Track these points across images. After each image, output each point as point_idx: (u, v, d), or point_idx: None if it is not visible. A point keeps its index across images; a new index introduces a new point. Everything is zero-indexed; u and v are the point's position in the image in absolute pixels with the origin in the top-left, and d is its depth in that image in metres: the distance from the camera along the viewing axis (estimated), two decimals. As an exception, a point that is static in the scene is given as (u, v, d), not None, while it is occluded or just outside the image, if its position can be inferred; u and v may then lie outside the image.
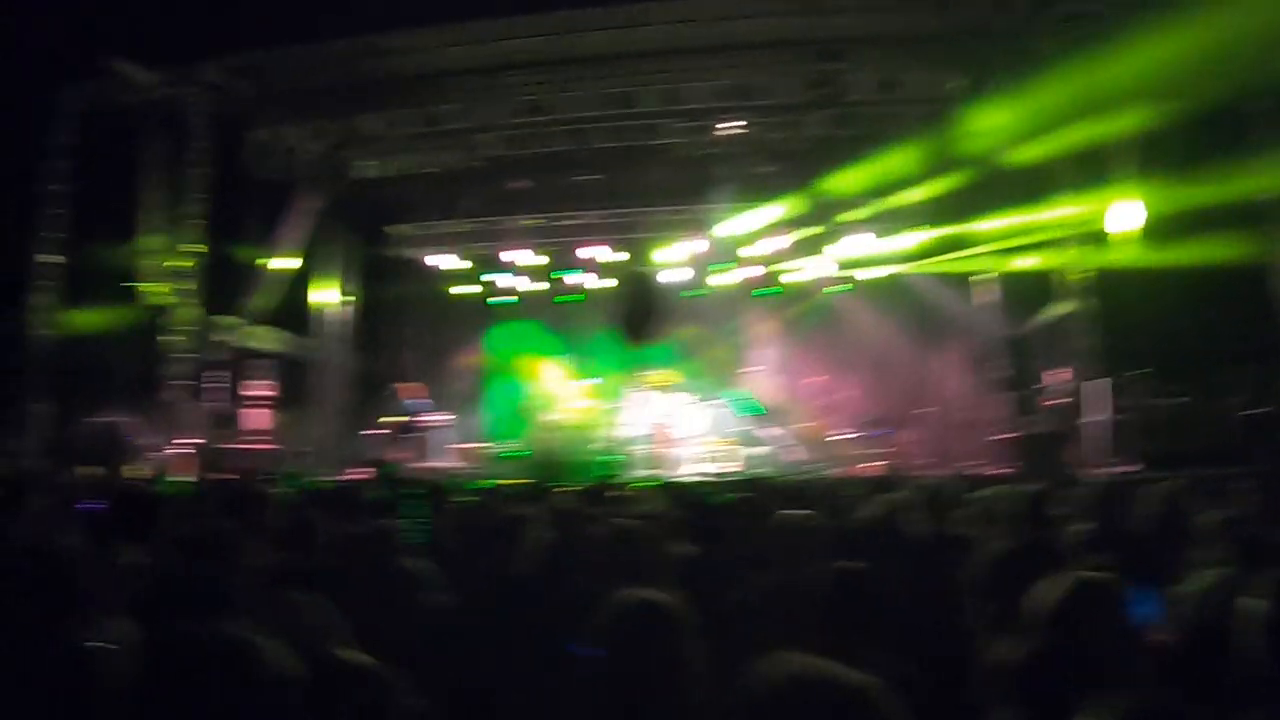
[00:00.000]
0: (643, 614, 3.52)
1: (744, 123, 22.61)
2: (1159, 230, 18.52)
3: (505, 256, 28.47)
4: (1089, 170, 19.58)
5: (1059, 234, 20.23)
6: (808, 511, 6.71)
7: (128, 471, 18.39)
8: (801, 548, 6.27)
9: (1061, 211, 19.97)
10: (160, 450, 22.07)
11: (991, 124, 21.30)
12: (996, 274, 24.13)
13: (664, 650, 3.41)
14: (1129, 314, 19.14)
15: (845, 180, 24.48)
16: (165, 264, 23.21)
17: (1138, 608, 4.70)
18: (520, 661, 5.05)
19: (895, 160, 22.94)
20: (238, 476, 14.65)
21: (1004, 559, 5.39)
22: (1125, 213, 18.81)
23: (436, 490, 10.98)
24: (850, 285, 27.16)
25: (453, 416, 27.08)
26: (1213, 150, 17.57)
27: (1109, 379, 19.21)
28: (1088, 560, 5.13)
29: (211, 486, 12.05)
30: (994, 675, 3.86)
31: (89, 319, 22.97)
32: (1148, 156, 18.73)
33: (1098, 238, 19.57)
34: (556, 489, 11.99)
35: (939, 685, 4.79)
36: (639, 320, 6.36)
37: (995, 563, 5.32)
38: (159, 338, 22.93)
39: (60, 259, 23.37)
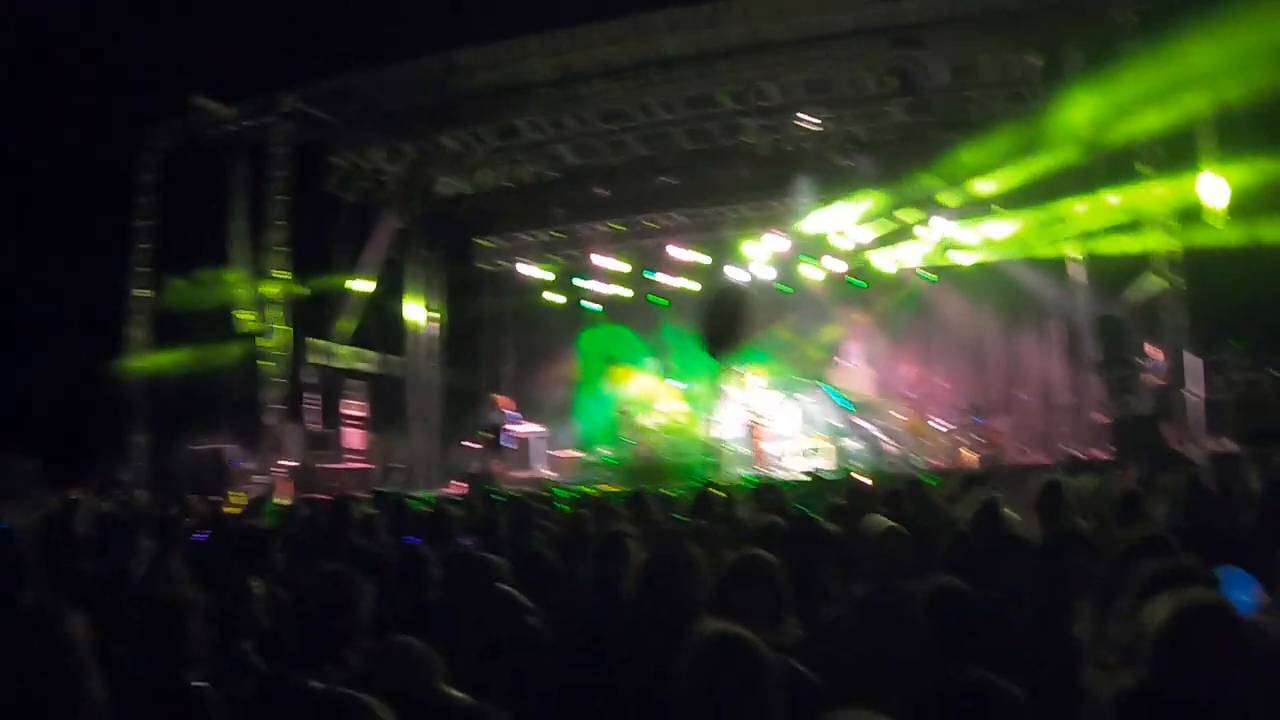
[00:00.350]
0: (723, 650, 3.42)
1: (822, 117, 22.40)
2: (1247, 207, 18.27)
3: (591, 263, 28.49)
4: (1176, 149, 19.32)
5: (1147, 213, 19.85)
6: (892, 523, 6.55)
7: (232, 498, 18.52)
8: (892, 558, 6.17)
9: (1149, 190, 19.62)
10: (261, 474, 22.34)
11: (1076, 106, 21.10)
12: (1085, 255, 23.74)
13: (745, 686, 3.32)
14: (1221, 289, 18.83)
15: (930, 168, 24.37)
16: (256, 292, 23.48)
17: (1236, 595, 4.59)
18: (609, 692, 5.03)
19: (979, 146, 22.78)
20: (332, 497, 14.66)
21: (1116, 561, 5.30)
22: (1213, 189, 18.53)
23: (528, 504, 10.92)
24: (937, 275, 26.86)
25: (545, 426, 27.14)
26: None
27: (1203, 356, 18.87)
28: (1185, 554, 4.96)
29: (308, 513, 12.12)
30: (1101, 707, 3.74)
31: (183, 350, 23.31)
32: (1234, 133, 18.46)
33: (1186, 215, 19.31)
34: (653, 496, 11.94)
35: (1049, 712, 4.74)
36: (722, 334, 6.32)
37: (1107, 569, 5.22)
38: (254, 364, 23.17)
39: (152, 293, 23.74)
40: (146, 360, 23.71)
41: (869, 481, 13.78)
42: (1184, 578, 4.16)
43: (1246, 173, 18.37)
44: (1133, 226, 20.67)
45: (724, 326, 5.93)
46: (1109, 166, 20.70)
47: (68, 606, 3.89)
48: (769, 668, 3.40)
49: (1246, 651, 3.28)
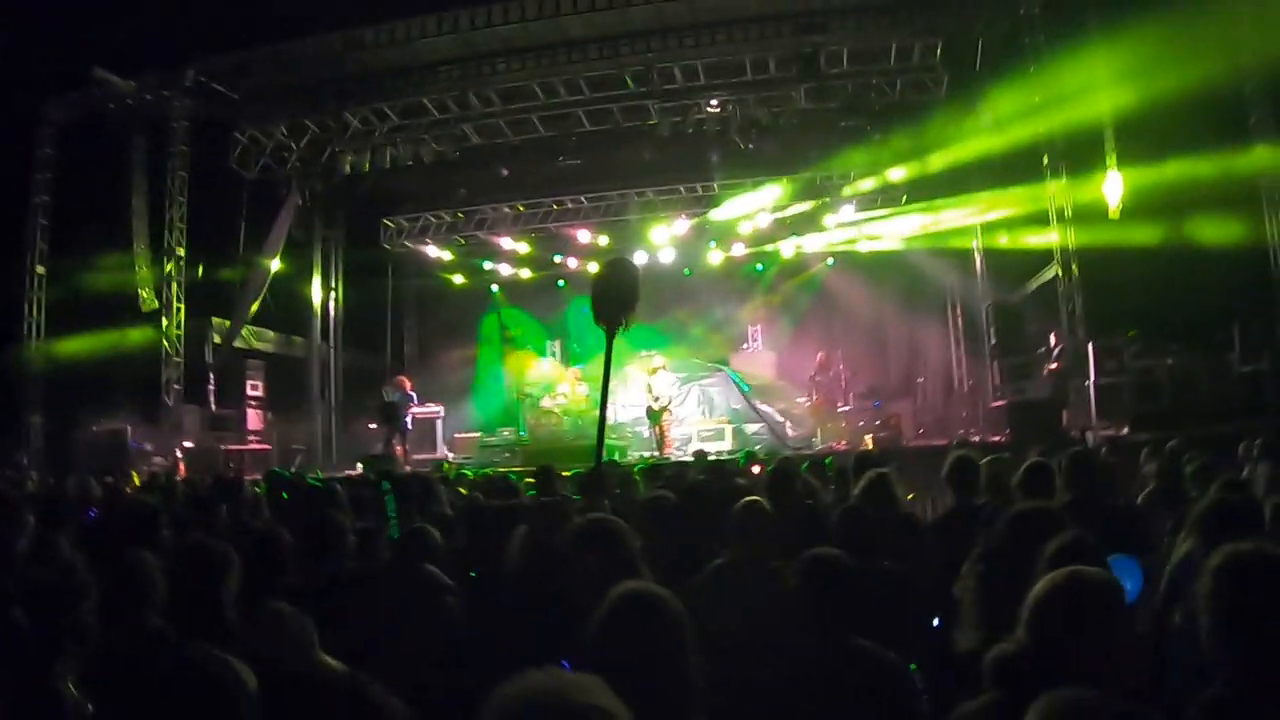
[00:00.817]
0: (641, 609, 3.45)
1: (724, 100, 22.49)
2: (1142, 206, 18.66)
3: (495, 244, 28.42)
4: (1079, 149, 19.65)
5: (1047, 207, 20.13)
6: (755, 498, 6.61)
7: (132, 478, 18.31)
8: (757, 533, 6.25)
9: (1051, 186, 19.91)
10: (161, 455, 22.13)
11: (985, 103, 21.47)
12: (985, 246, 24.11)
13: (662, 643, 3.35)
14: (1115, 278, 19.16)
15: (833, 154, 24.61)
16: (156, 270, 23.23)
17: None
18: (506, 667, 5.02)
19: (886, 136, 23.06)
20: (230, 478, 14.58)
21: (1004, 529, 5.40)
22: (1113, 187, 18.91)
23: (424, 485, 10.88)
24: (839, 261, 27.12)
25: (446, 408, 27.07)
26: (1197, 131, 17.73)
27: (1096, 342, 19.19)
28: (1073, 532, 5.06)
29: (203, 488, 12.02)
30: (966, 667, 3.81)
31: (83, 336, 23.00)
32: (1134, 135, 18.84)
33: (1084, 211, 19.64)
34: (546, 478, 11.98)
35: (931, 675, 4.84)
36: (611, 303, 6.31)
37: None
38: (154, 344, 22.91)
39: (48, 270, 23.40)
40: (44, 346, 23.34)
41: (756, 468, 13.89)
42: (1073, 552, 4.25)
43: (1143, 174, 18.77)
44: (1033, 220, 20.94)
45: (614, 295, 5.93)
46: (1014, 162, 20.99)
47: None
48: (681, 619, 3.46)
49: (1118, 623, 3.36)
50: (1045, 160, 19.94)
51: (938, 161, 23.25)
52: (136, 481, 17.51)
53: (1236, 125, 18.73)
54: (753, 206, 25.69)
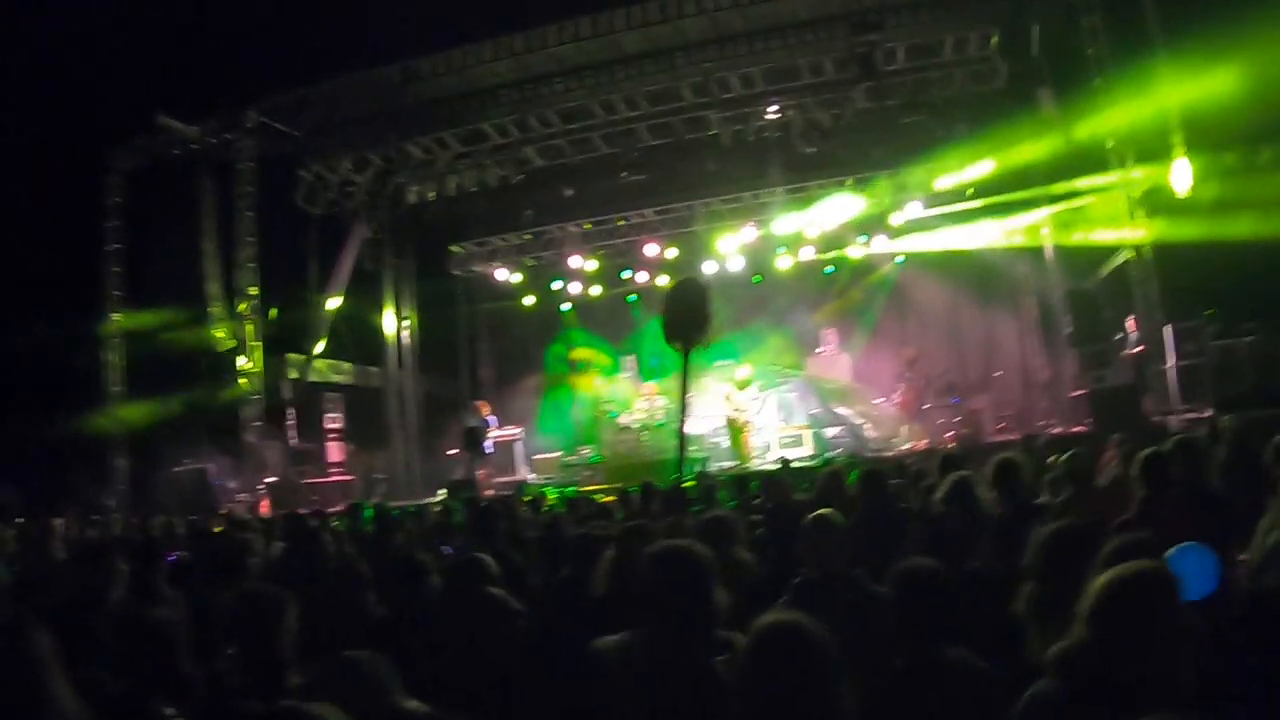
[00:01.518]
0: (785, 640, 3.47)
1: (784, 105, 22.46)
2: (1212, 194, 18.49)
3: (564, 264, 28.48)
4: (1147, 141, 19.51)
5: (1117, 194, 19.95)
6: (823, 511, 6.59)
7: (217, 517, 18.50)
8: (829, 545, 6.24)
9: (1121, 175, 19.74)
10: (244, 492, 22.38)
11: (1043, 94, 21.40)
12: (1054, 235, 23.89)
13: (808, 672, 3.37)
14: (1190, 257, 18.94)
15: (899, 154, 24.54)
16: (229, 308, 23.50)
17: (1194, 580, 4.62)
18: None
19: (951, 135, 23.00)
20: (312, 512, 14.73)
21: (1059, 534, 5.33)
22: (1181, 174, 18.73)
23: (505, 508, 10.92)
24: (908, 258, 26.97)
25: (521, 429, 27.18)
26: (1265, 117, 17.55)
27: (1172, 325, 18.99)
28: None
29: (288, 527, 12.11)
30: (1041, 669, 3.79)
31: (160, 373, 23.29)
32: (1199, 121, 18.69)
33: (1155, 196, 19.47)
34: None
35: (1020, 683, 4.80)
36: (683, 324, 6.34)
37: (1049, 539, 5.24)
38: (231, 380, 23.17)
39: (125, 316, 23.74)
40: (126, 398, 23.73)
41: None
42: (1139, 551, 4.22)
43: (1211, 161, 18.61)
44: (1103, 206, 20.75)
45: (685, 317, 5.97)
46: (1082, 155, 20.84)
47: (32, 622, 3.90)
48: (825, 647, 3.47)
49: (1176, 621, 3.34)
50: (1110, 145, 19.74)
51: (1003, 154, 23.14)
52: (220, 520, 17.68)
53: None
54: (812, 205, 25.59)
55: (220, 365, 23.66)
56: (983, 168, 23.44)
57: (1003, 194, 23.89)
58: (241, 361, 23.29)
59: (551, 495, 16.07)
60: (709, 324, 6.76)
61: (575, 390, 29.88)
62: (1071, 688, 3.36)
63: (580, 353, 30.52)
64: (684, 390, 6.79)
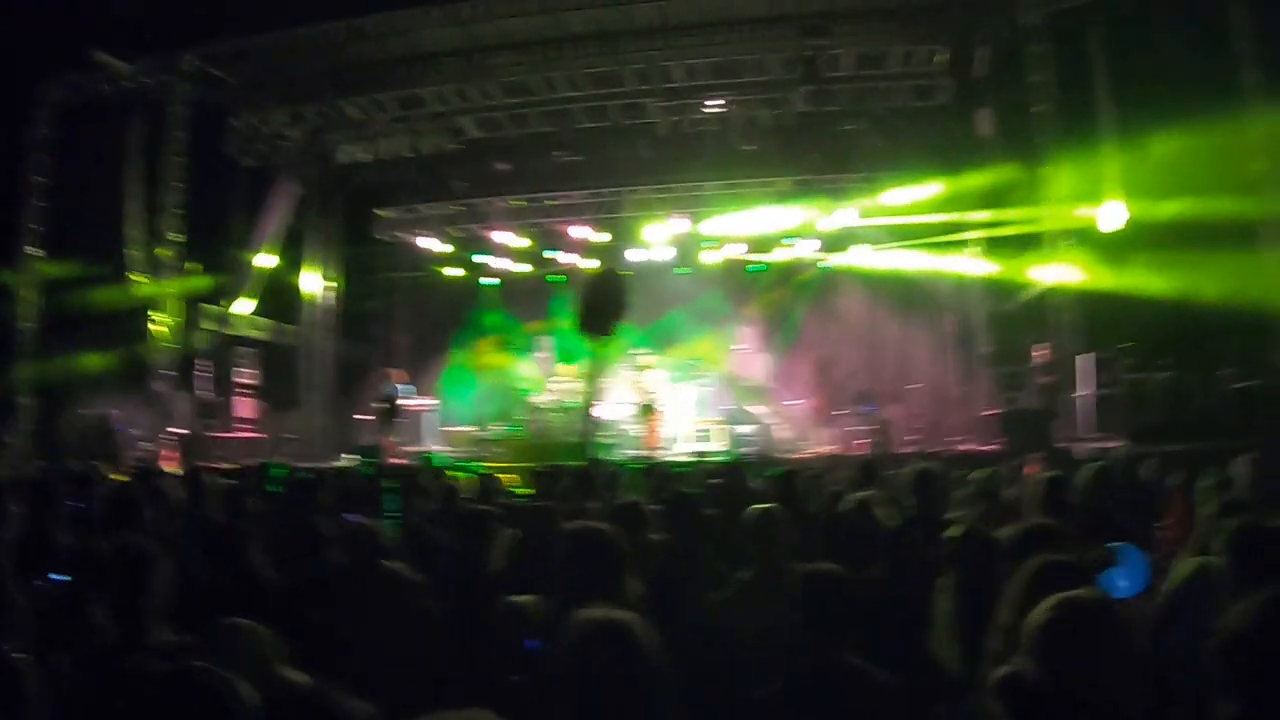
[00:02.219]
0: (605, 635, 3.34)
1: (725, 100, 22.48)
2: (1142, 236, 18.80)
3: (491, 239, 28.38)
4: (1082, 177, 19.81)
5: (1047, 226, 20.23)
6: (773, 505, 6.63)
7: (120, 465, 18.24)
8: (773, 543, 6.31)
9: (1052, 208, 20.03)
10: (149, 441, 22.12)
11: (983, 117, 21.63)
12: (983, 255, 24.09)
13: (627, 672, 3.24)
14: (1110, 290, 19.24)
15: (832, 160, 24.71)
16: (149, 254, 23.20)
17: (1126, 579, 4.71)
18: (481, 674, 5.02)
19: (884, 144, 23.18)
20: (224, 467, 14.64)
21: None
22: (1112, 215, 19.07)
23: (409, 479, 10.91)
24: (833, 265, 27.12)
25: (438, 400, 27.11)
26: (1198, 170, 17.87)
27: (1093, 354, 19.28)
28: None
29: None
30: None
31: (74, 311, 22.94)
32: (1134, 163, 19.05)
33: (1081, 236, 19.81)
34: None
35: (916, 693, 4.84)
36: (597, 315, 6.36)
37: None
38: (145, 328, 22.88)
39: (43, 252, 23.36)
40: (35, 321, 23.33)
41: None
42: (1068, 572, 4.27)
43: (1143, 206, 18.92)
44: (1031, 233, 20.99)
45: (601, 306, 5.96)
46: (1015, 182, 21.11)
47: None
48: (651, 652, 3.32)
49: (1121, 646, 3.36)
50: (1044, 173, 19.99)
51: (938, 172, 23.39)
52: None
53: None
54: (742, 203, 25.69)
55: (136, 312, 23.36)
56: (916, 186, 23.67)
57: (933, 212, 24.11)
58: (156, 308, 22.99)
59: (456, 470, 15.97)
60: (622, 315, 6.78)
61: (490, 367, 29.81)
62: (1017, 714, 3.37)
63: (499, 329, 30.47)
64: (595, 377, 6.81)
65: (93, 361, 22.95)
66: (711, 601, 6.08)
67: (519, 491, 12.31)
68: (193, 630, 4.65)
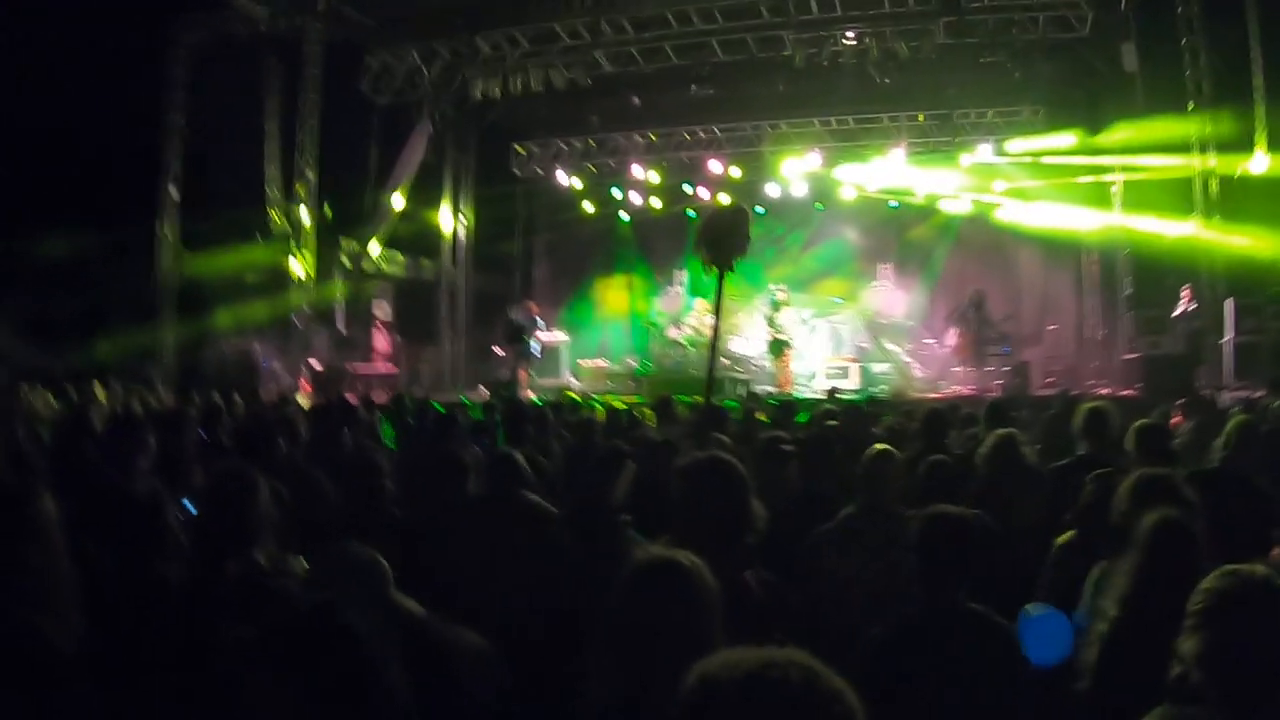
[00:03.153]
0: (655, 576, 3.31)
1: (861, 33, 22.13)
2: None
3: (627, 173, 28.43)
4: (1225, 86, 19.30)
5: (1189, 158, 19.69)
6: (885, 446, 6.60)
7: (262, 395, 18.64)
8: (885, 482, 6.31)
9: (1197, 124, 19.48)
10: (289, 374, 22.55)
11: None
12: (1123, 194, 23.55)
13: (676, 613, 3.19)
14: (1257, 234, 18.75)
15: (972, 94, 24.36)
16: (288, 194, 23.56)
17: (1044, 645, 4.61)
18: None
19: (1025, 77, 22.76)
20: (358, 400, 14.89)
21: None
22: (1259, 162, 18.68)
23: (541, 415, 11.00)
24: (975, 204, 26.73)
25: (568, 335, 27.34)
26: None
27: (1234, 299, 18.79)
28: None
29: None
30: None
31: (215, 249, 23.42)
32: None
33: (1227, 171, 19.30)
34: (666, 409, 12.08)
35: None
36: (721, 249, 6.35)
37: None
38: (285, 264, 23.26)
39: (182, 191, 23.81)
40: (179, 256, 23.79)
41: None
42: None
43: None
44: (1176, 171, 20.46)
45: (723, 238, 5.97)
46: (1160, 121, 20.58)
47: (38, 487, 3.96)
48: (707, 593, 3.29)
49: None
50: (1191, 106, 19.45)
51: (1079, 110, 22.95)
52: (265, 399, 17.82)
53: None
54: (881, 138, 25.53)
55: (274, 246, 23.76)
56: (1059, 124, 23.31)
57: (1077, 152, 23.70)
58: (293, 245, 23.35)
59: (592, 404, 16.11)
60: (744, 249, 6.74)
61: (627, 299, 29.96)
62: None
63: (635, 263, 30.58)
64: (717, 312, 6.80)
65: (236, 304, 23.42)
66: (816, 536, 6.04)
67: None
68: (307, 554, 4.79)
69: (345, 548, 4.41)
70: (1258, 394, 16.38)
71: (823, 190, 27.54)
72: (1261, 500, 5.05)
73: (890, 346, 25.52)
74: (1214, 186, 19.32)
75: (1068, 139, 23.72)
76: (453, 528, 6.27)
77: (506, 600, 5.42)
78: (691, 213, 29.11)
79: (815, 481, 7.23)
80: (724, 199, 25.51)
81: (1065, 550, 5.86)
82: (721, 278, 6.67)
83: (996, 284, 26.24)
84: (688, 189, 28.52)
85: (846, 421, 11.06)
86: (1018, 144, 24.54)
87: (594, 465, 7.38)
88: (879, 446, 6.59)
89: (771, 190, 27.42)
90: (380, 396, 18.40)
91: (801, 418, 12.66)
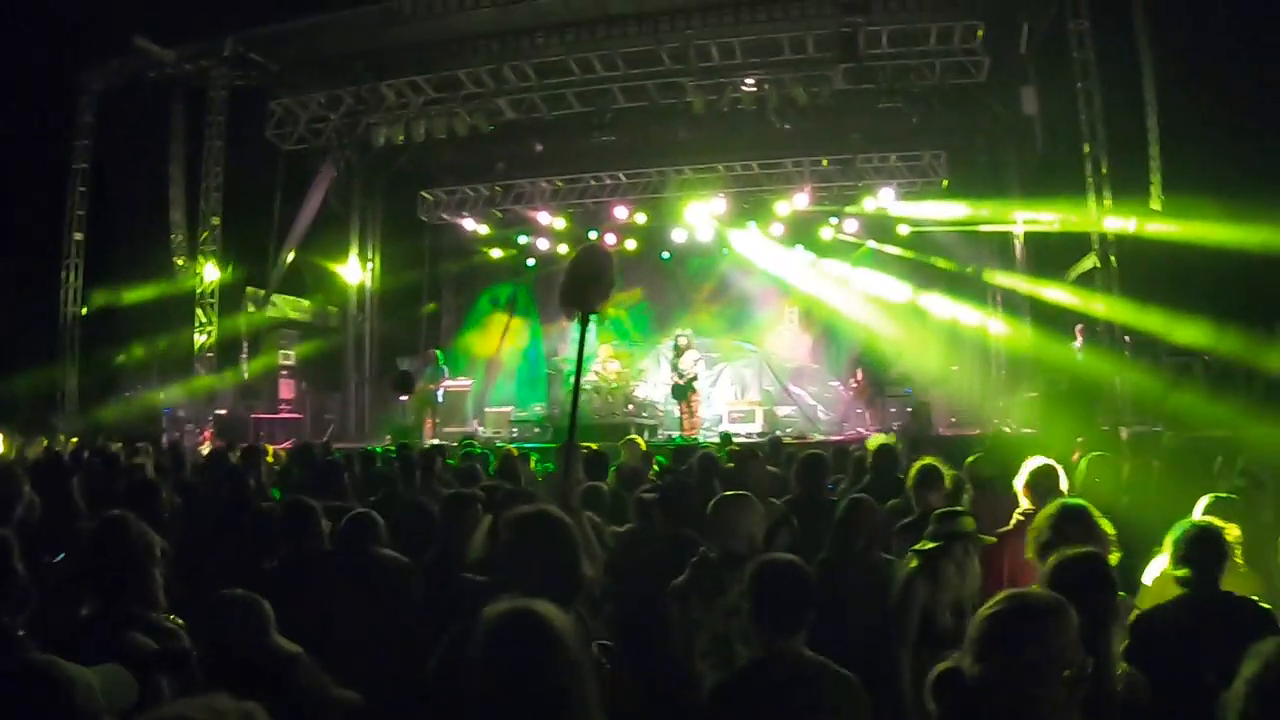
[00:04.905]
0: (510, 625, 3.28)
1: (761, 79, 22.43)
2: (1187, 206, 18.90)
3: (531, 219, 28.64)
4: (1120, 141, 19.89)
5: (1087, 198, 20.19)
6: (738, 492, 6.68)
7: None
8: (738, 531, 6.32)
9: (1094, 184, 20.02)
10: (192, 423, 22.49)
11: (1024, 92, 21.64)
12: (1025, 234, 24.08)
13: (533, 662, 3.19)
14: (1155, 269, 19.28)
15: (873, 140, 24.81)
16: (191, 238, 23.57)
17: None
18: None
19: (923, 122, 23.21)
20: (258, 446, 14.90)
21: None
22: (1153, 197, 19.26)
23: (428, 461, 11.05)
24: (876, 244, 27.16)
25: (473, 381, 27.45)
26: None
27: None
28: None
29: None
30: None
31: (118, 294, 23.38)
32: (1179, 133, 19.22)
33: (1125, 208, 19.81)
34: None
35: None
36: (583, 292, 6.38)
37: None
38: (189, 312, 23.25)
39: (86, 235, 23.77)
40: (80, 304, 23.72)
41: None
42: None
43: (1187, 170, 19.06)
44: (1074, 210, 20.95)
45: (584, 282, 6.02)
46: (1057, 151, 21.15)
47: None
48: (565, 641, 3.27)
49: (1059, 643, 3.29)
50: (1087, 149, 19.92)
51: (979, 148, 23.39)
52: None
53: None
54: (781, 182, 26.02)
55: (178, 292, 23.74)
56: (958, 158, 23.78)
57: (977, 189, 24.18)
58: (198, 291, 23.35)
59: (489, 451, 16.14)
60: (608, 292, 6.81)
61: (534, 345, 30.07)
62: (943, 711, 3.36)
63: (537, 308, 30.73)
64: (579, 357, 6.85)
65: (139, 348, 23.35)
66: (672, 588, 6.18)
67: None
68: (194, 600, 4.94)
69: (229, 593, 4.54)
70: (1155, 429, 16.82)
71: (727, 235, 27.83)
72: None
73: (795, 390, 25.78)
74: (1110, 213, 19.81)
75: (962, 208, 24.27)
76: (305, 579, 6.35)
77: (356, 654, 5.50)
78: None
79: (678, 528, 7.26)
80: (616, 240, 25.85)
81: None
82: (585, 323, 6.72)
83: (900, 324, 26.56)
84: (593, 235, 28.70)
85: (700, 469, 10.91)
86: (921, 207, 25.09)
87: (451, 514, 7.36)
88: (729, 493, 6.67)
89: (678, 235, 27.71)
90: (283, 444, 18.43)
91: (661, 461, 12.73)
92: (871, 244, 27.62)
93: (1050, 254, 23.24)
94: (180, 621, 4.65)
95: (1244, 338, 19.16)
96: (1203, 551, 5.18)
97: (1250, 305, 18.77)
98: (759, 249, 28.10)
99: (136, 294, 23.75)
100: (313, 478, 10.32)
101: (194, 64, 23.34)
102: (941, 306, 26.66)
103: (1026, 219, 23.69)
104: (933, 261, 26.28)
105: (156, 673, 3.91)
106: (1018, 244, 24.72)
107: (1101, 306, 19.86)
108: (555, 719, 3.16)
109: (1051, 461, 7.52)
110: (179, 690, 3.86)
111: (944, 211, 25.18)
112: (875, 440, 9.94)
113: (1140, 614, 5.16)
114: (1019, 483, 7.42)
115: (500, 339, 30.89)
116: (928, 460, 8.04)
